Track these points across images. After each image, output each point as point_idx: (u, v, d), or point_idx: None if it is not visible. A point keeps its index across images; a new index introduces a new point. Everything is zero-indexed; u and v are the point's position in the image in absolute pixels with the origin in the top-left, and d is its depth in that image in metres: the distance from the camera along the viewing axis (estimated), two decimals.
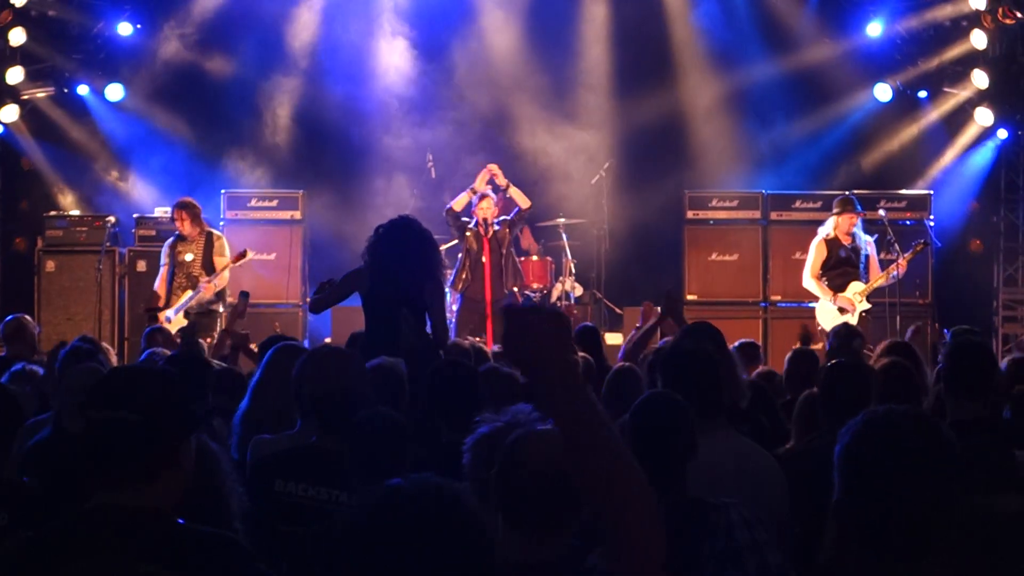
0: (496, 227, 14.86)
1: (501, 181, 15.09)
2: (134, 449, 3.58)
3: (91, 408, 3.64)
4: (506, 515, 3.77)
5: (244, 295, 10.94)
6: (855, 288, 14.66)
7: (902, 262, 14.84)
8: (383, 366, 6.75)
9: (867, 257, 14.88)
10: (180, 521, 3.62)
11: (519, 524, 3.75)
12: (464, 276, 14.81)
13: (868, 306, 14.70)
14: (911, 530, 3.04)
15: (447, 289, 14.56)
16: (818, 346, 12.23)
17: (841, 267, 14.76)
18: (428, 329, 9.42)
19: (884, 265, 14.97)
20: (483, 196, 14.86)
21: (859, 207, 14.92)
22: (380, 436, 5.19)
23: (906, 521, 3.04)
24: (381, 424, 5.26)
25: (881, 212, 15.71)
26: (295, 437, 5.98)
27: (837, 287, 14.72)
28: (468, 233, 14.90)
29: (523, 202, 15.06)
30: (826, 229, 14.93)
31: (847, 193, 15.49)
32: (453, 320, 14.36)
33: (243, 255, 14.45)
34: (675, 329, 8.58)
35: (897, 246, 14.88)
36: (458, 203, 14.95)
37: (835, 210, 14.96)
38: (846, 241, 14.77)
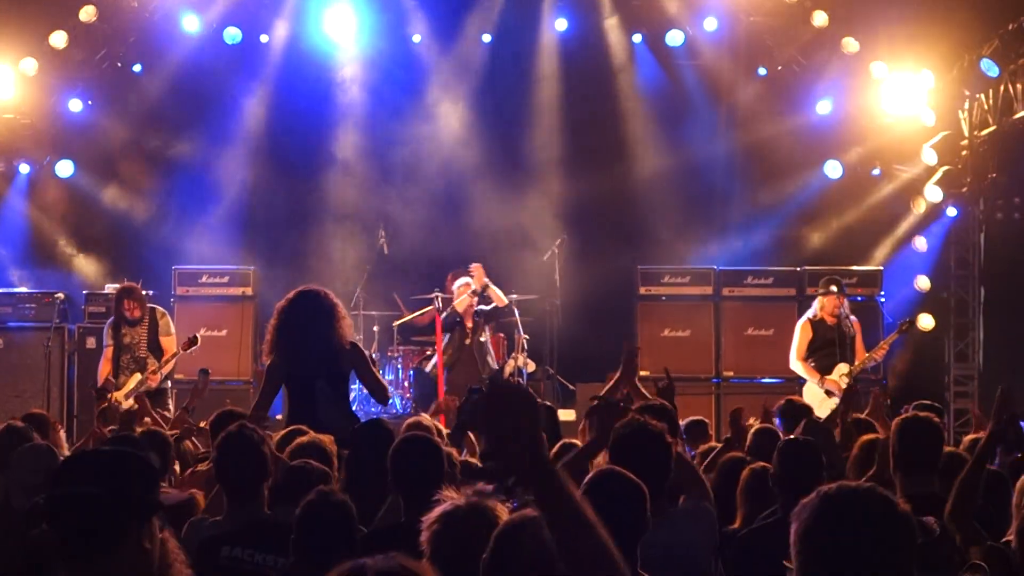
0: (476, 318, 15.80)
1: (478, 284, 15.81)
2: (96, 523, 3.55)
3: (55, 487, 3.64)
4: None
5: (204, 373, 10.80)
6: (841, 370, 14.68)
7: (884, 345, 15.03)
8: (314, 443, 6.77)
9: (852, 338, 14.95)
10: None
11: None
12: (449, 355, 15.48)
13: (855, 384, 14.60)
14: None
15: (430, 370, 15.31)
16: None
17: (827, 348, 14.82)
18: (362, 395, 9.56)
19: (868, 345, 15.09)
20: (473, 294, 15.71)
21: (843, 289, 15.06)
22: (327, 518, 5.16)
23: None
24: (328, 506, 5.24)
25: (832, 288, 15.77)
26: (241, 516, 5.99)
27: (823, 368, 14.76)
28: (457, 328, 15.72)
29: (499, 301, 15.79)
30: (812, 310, 15.07)
31: (833, 277, 15.54)
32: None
33: (193, 342, 14.03)
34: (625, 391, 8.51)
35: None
36: (460, 304, 15.66)
37: (820, 291, 15.12)
38: (831, 322, 14.86)
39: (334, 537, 5.05)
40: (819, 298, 15.04)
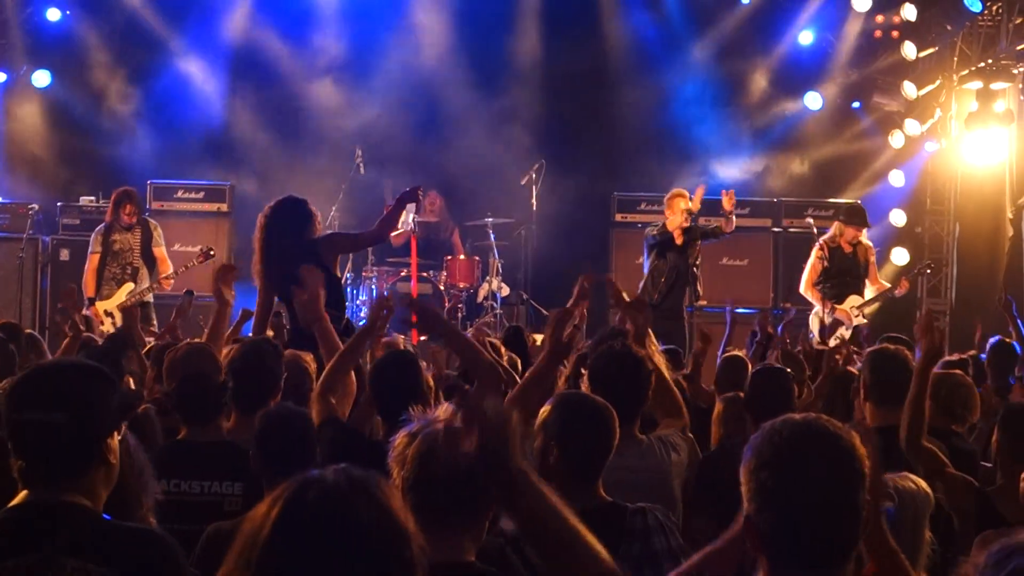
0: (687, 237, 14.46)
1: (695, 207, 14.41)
2: (62, 449, 3.58)
3: (15, 410, 3.62)
4: (416, 512, 3.70)
5: (189, 294, 10.76)
6: (852, 302, 14.50)
7: (904, 282, 14.81)
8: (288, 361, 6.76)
9: (867, 267, 14.75)
10: (106, 517, 3.64)
11: (429, 522, 3.69)
12: (664, 280, 14.41)
13: (864, 321, 14.43)
14: (822, 538, 3.03)
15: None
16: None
17: (841, 276, 14.57)
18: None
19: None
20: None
21: (868, 219, 14.83)
22: (288, 431, 5.16)
23: (816, 529, 3.02)
24: (289, 419, 5.23)
25: (808, 220, 15.77)
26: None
27: (835, 296, 14.50)
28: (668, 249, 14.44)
29: (727, 225, 14.62)
30: (829, 234, 14.76)
31: (857, 202, 15.37)
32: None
33: (209, 254, 14.17)
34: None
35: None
36: (672, 223, 14.41)
37: (841, 218, 14.84)
38: (848, 250, 14.60)
39: (293, 452, 5.04)
40: (838, 224, 14.70)
